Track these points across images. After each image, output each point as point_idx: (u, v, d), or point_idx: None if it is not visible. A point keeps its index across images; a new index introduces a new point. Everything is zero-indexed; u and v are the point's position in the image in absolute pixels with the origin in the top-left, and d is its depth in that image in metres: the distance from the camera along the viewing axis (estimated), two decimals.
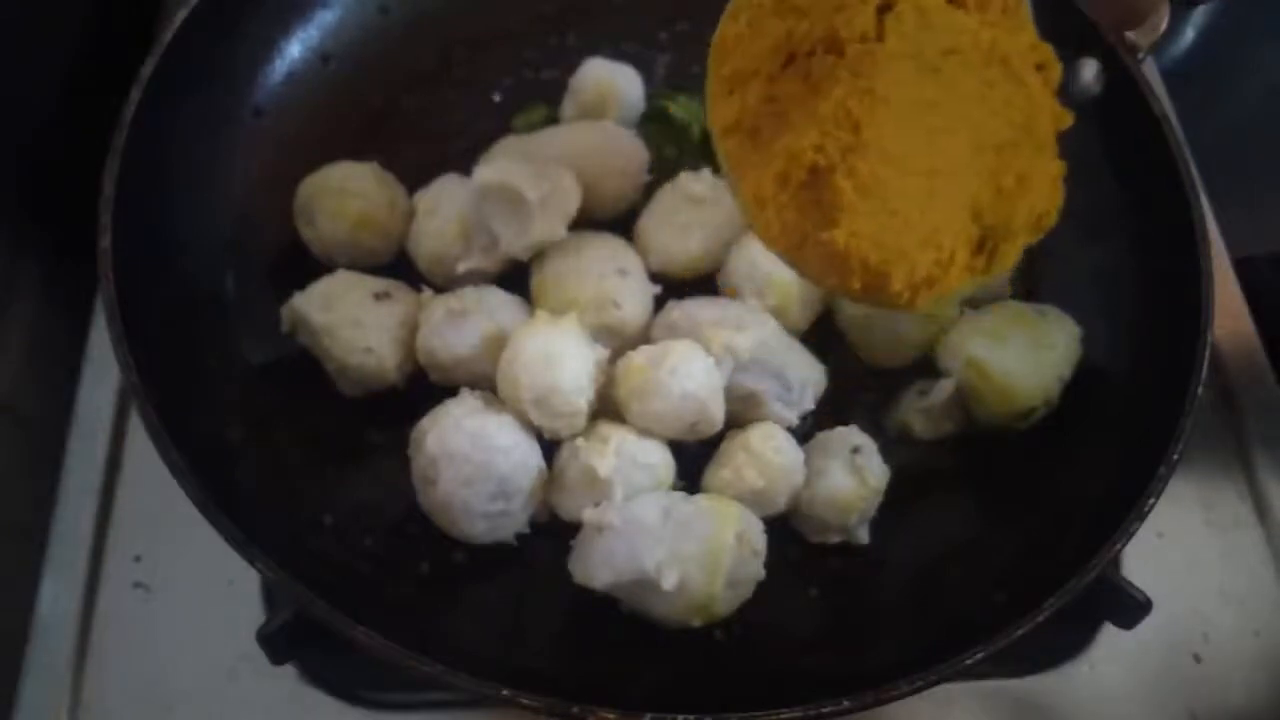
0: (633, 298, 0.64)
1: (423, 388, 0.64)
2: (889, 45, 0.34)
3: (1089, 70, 0.65)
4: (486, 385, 0.61)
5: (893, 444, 0.64)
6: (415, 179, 0.69)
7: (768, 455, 0.60)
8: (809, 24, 0.35)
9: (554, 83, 0.75)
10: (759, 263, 0.64)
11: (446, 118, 0.76)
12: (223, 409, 0.61)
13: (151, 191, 0.61)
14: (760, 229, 0.38)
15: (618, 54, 0.75)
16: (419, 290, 0.65)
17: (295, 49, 0.73)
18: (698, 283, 0.67)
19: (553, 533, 0.60)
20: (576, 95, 0.73)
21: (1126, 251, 0.68)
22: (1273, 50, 1.03)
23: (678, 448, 0.62)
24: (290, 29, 0.73)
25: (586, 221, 0.66)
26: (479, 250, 0.65)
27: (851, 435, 0.62)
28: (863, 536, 0.62)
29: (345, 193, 0.66)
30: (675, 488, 0.61)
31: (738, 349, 0.60)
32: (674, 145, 0.73)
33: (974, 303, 0.67)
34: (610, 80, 0.73)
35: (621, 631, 0.57)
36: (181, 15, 0.63)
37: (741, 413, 0.62)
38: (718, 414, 0.60)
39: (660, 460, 0.60)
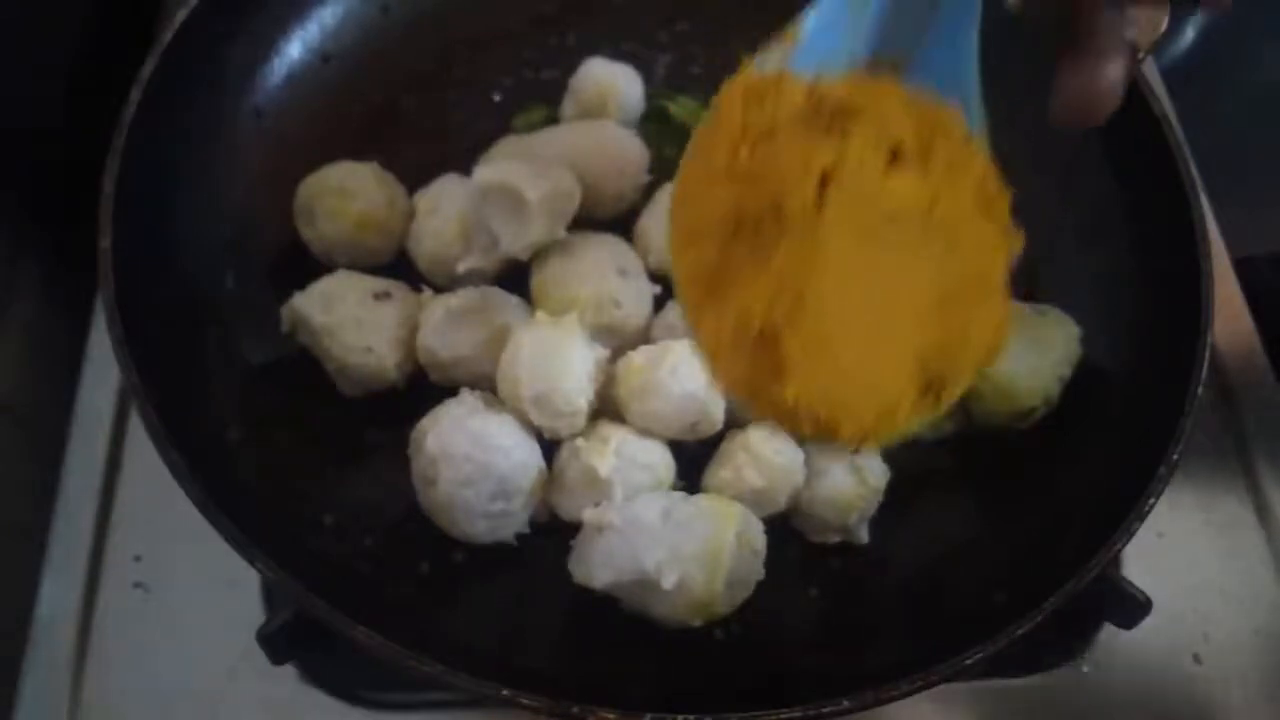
0: (633, 298, 0.64)
1: (423, 388, 0.64)
2: (828, 215, 0.36)
3: None
4: (486, 385, 0.61)
5: (893, 444, 0.64)
6: (415, 179, 0.69)
7: (768, 455, 0.60)
8: (754, 193, 0.37)
9: (554, 83, 0.75)
10: None
11: (446, 118, 0.76)
12: (223, 409, 0.61)
13: (151, 191, 0.61)
14: (716, 376, 0.40)
15: (618, 54, 0.75)
16: (419, 290, 0.65)
17: (295, 49, 0.73)
18: None
19: (553, 533, 0.60)
20: (576, 95, 0.73)
21: (1126, 252, 0.68)
22: (1273, 50, 1.03)
23: (678, 448, 0.62)
24: (290, 29, 0.73)
25: (586, 221, 0.66)
26: (479, 250, 0.65)
27: None
28: (863, 536, 0.62)
29: (345, 193, 0.66)
30: (675, 488, 0.61)
31: None
32: (674, 145, 0.73)
33: None
34: (610, 80, 0.73)
35: (621, 631, 0.57)
36: (181, 15, 0.63)
37: (741, 413, 0.62)
38: (718, 414, 0.60)
39: (660, 460, 0.60)
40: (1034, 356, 0.63)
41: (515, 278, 0.66)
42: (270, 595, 0.63)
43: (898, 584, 0.62)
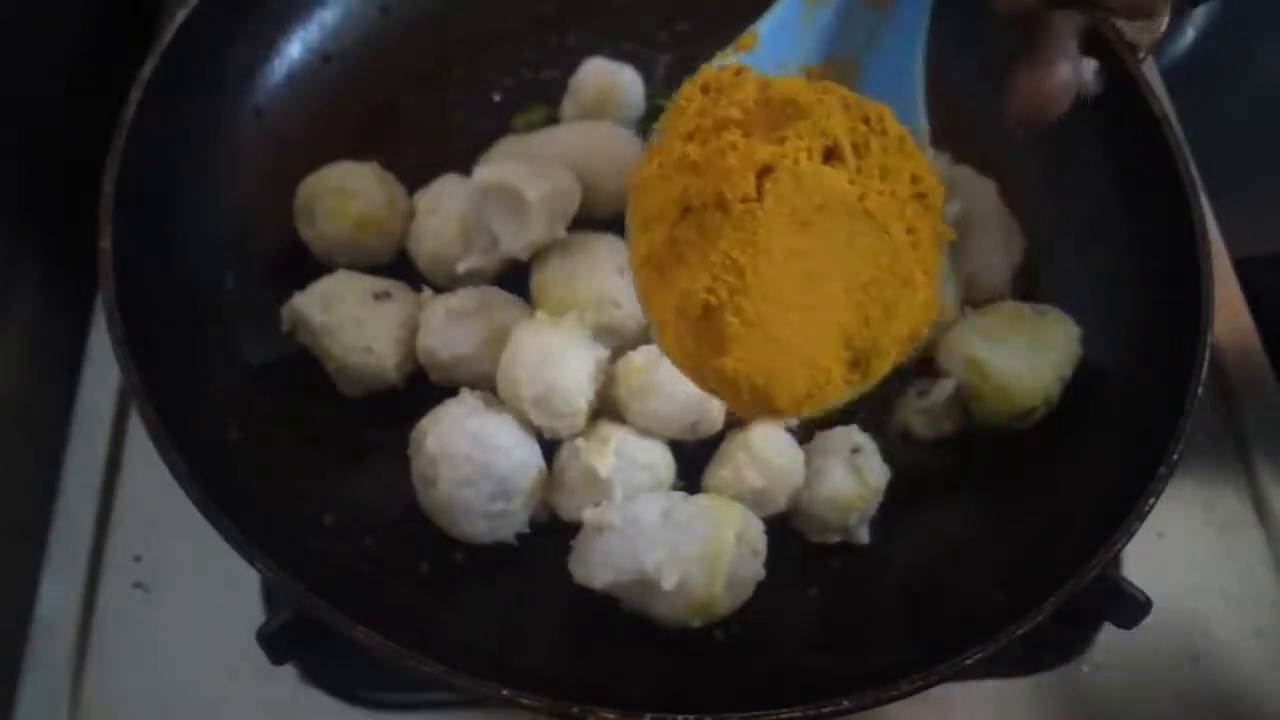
0: (633, 298, 0.64)
1: (423, 388, 0.64)
2: (767, 204, 0.41)
3: (1089, 70, 0.65)
4: (486, 385, 0.61)
5: (893, 444, 0.64)
6: (415, 179, 0.69)
7: (768, 455, 0.60)
8: (701, 183, 0.42)
9: (554, 83, 0.75)
10: None
11: (446, 118, 0.76)
12: (223, 409, 0.61)
13: (151, 191, 0.61)
14: (665, 349, 0.44)
15: (618, 54, 0.75)
16: (419, 290, 0.65)
17: (295, 49, 0.73)
18: None
19: (553, 533, 0.60)
20: (576, 95, 0.73)
21: (1126, 251, 0.68)
22: (1273, 50, 1.03)
23: (678, 448, 0.62)
24: (290, 29, 0.73)
25: (586, 221, 0.66)
26: (479, 250, 0.65)
27: (851, 435, 0.62)
28: (863, 536, 0.62)
29: (345, 193, 0.66)
30: (675, 488, 0.61)
31: None
32: None
33: (974, 303, 0.67)
34: (610, 80, 0.73)
35: (621, 631, 0.57)
36: (181, 15, 0.63)
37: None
38: (718, 414, 0.60)
39: (660, 460, 0.60)
40: (1034, 356, 0.63)
41: (515, 278, 0.66)
42: (270, 595, 0.63)
43: (898, 584, 0.62)
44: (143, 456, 0.67)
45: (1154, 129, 0.64)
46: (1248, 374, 0.76)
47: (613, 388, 0.61)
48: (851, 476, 0.60)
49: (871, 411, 0.66)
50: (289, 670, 0.61)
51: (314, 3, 0.74)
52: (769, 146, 0.41)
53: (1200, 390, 0.56)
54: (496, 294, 0.64)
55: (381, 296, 0.64)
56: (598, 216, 0.68)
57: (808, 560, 0.62)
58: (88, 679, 0.61)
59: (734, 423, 0.62)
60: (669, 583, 0.54)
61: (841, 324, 0.42)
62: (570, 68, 0.74)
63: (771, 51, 0.47)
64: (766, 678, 0.57)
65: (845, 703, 0.48)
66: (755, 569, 0.57)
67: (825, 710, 0.47)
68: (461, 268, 0.65)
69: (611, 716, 0.47)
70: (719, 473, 0.61)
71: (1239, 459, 0.73)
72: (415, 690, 0.62)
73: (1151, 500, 0.53)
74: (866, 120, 0.43)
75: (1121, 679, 0.65)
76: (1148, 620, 0.54)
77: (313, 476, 0.62)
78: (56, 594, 0.64)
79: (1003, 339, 0.64)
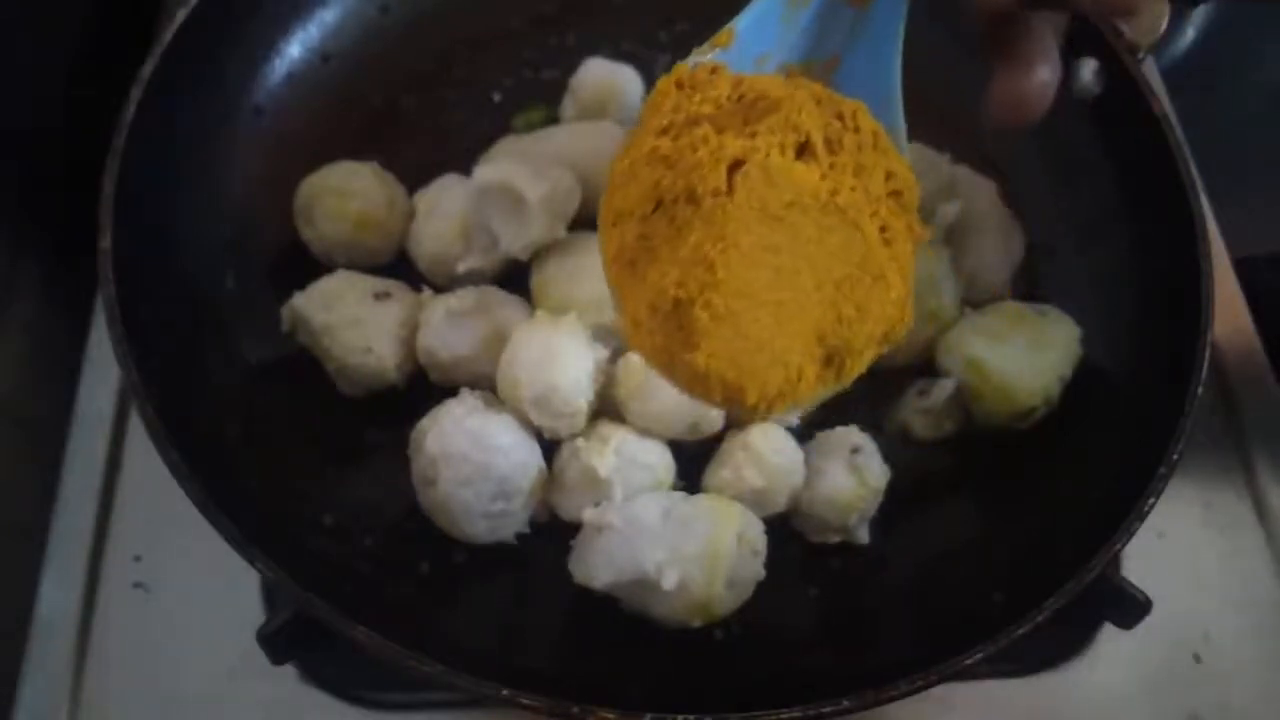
0: None
1: (423, 388, 0.64)
2: (737, 199, 0.40)
3: (1089, 70, 0.65)
4: (486, 385, 0.61)
5: (893, 444, 0.64)
6: (415, 179, 0.69)
7: (768, 455, 0.60)
8: (672, 177, 0.42)
9: (554, 83, 0.75)
10: None
11: (446, 118, 0.76)
12: (223, 409, 0.61)
13: (151, 191, 0.60)
14: (636, 346, 0.43)
15: (618, 54, 0.75)
16: (419, 290, 0.65)
17: (295, 49, 0.73)
18: None
19: (553, 533, 0.60)
20: (576, 95, 0.73)
21: (1126, 251, 0.68)
22: (1273, 50, 1.03)
23: (678, 448, 0.62)
24: (290, 29, 0.73)
25: (586, 221, 0.66)
26: (479, 250, 0.65)
27: (851, 435, 0.62)
28: (863, 536, 0.62)
29: (345, 193, 0.66)
30: (675, 488, 0.61)
31: None
32: None
33: (974, 303, 0.67)
34: (610, 80, 0.73)
35: (621, 631, 0.57)
36: (181, 15, 0.63)
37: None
38: (718, 414, 0.60)
39: (660, 460, 0.60)
40: (1034, 356, 0.63)
41: (515, 278, 0.66)
42: (270, 595, 0.63)
43: (898, 584, 0.62)
44: (143, 456, 0.67)
45: (1154, 129, 0.64)
46: (1248, 374, 0.76)
47: (613, 388, 0.61)
48: (851, 476, 0.60)
49: (871, 411, 0.66)
50: (289, 670, 0.61)
51: (314, 3, 0.74)
52: (740, 141, 0.41)
53: (1200, 390, 0.56)
54: (496, 294, 0.64)
55: (381, 296, 0.64)
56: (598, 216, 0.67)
57: (808, 560, 0.62)
58: (88, 679, 0.61)
59: (734, 423, 0.62)
60: (669, 583, 0.54)
61: (814, 321, 0.41)
62: (570, 68, 0.74)
63: (749, 48, 0.46)
64: (766, 678, 0.57)
65: (845, 703, 0.48)
66: (755, 569, 0.57)
67: (825, 710, 0.47)
68: (461, 268, 0.65)
69: (611, 716, 0.47)
70: (719, 473, 0.61)
71: (1239, 459, 0.73)
72: (415, 690, 0.62)
73: (1151, 500, 0.53)
74: (840, 116, 0.43)
75: (1121, 679, 0.65)
76: (1148, 620, 0.54)
77: (313, 476, 0.62)
78: (56, 594, 0.64)
79: (1003, 339, 0.64)
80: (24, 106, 0.72)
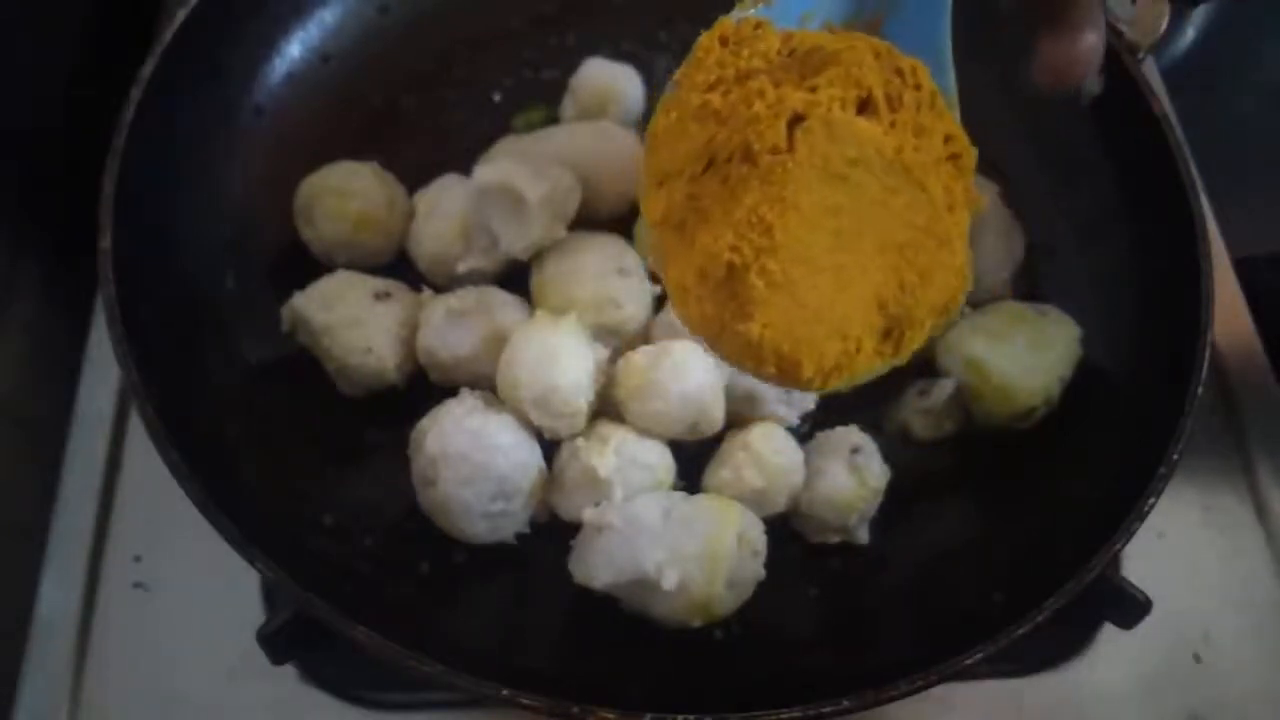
0: (633, 298, 0.64)
1: (423, 388, 0.64)
2: (798, 156, 0.37)
3: None
4: (486, 385, 0.61)
5: (893, 444, 0.64)
6: (415, 179, 0.69)
7: (768, 455, 0.60)
8: (726, 133, 0.38)
9: (554, 83, 0.75)
10: None
11: (446, 118, 0.76)
12: (223, 409, 0.61)
13: (151, 191, 0.61)
14: (683, 316, 0.41)
15: (618, 54, 0.75)
16: (419, 290, 0.65)
17: (295, 49, 0.73)
18: None
19: (553, 533, 0.60)
20: (576, 95, 0.73)
21: (1126, 251, 0.68)
22: (1273, 50, 1.03)
23: (678, 448, 0.62)
24: (290, 29, 0.73)
25: (586, 221, 0.66)
26: (479, 250, 0.65)
27: (851, 435, 0.62)
28: (863, 536, 0.62)
29: (345, 193, 0.66)
30: (675, 488, 0.61)
31: None
32: None
33: (974, 303, 0.67)
34: (610, 80, 0.73)
35: (621, 631, 0.57)
36: (181, 15, 0.63)
37: (741, 413, 0.62)
38: (718, 414, 0.60)
39: (660, 460, 0.60)
40: (1034, 356, 0.63)
41: (515, 278, 0.66)
42: (270, 595, 0.63)
43: (898, 584, 0.62)
44: (143, 456, 0.67)
45: (1154, 129, 0.64)
46: (1248, 374, 0.76)
47: (613, 388, 0.61)
48: (851, 476, 0.60)
49: (872, 411, 0.66)
50: (289, 670, 0.61)
51: (314, 3, 0.74)
52: (800, 94, 0.38)
53: (1200, 390, 0.56)
54: (496, 294, 0.64)
55: (381, 296, 0.64)
56: (598, 216, 0.68)
57: (808, 560, 0.62)
58: (88, 679, 0.61)
59: (734, 423, 0.62)
60: (669, 583, 0.54)
61: (875, 288, 0.39)
62: (570, 68, 0.74)
63: (793, 6, 0.43)
64: (766, 678, 0.57)
65: (845, 703, 0.48)
66: (755, 569, 0.57)
67: (825, 710, 0.47)
68: (461, 268, 0.65)
69: (611, 716, 0.47)
70: (719, 473, 0.61)
71: (1239, 459, 0.73)
72: (415, 690, 0.62)
73: (1151, 500, 0.53)
74: (899, 73, 0.40)
75: (1121, 679, 0.65)
76: (1148, 620, 0.54)
77: (313, 476, 0.62)
78: (56, 594, 0.64)
79: (1003, 339, 0.64)
80: (24, 106, 0.72)
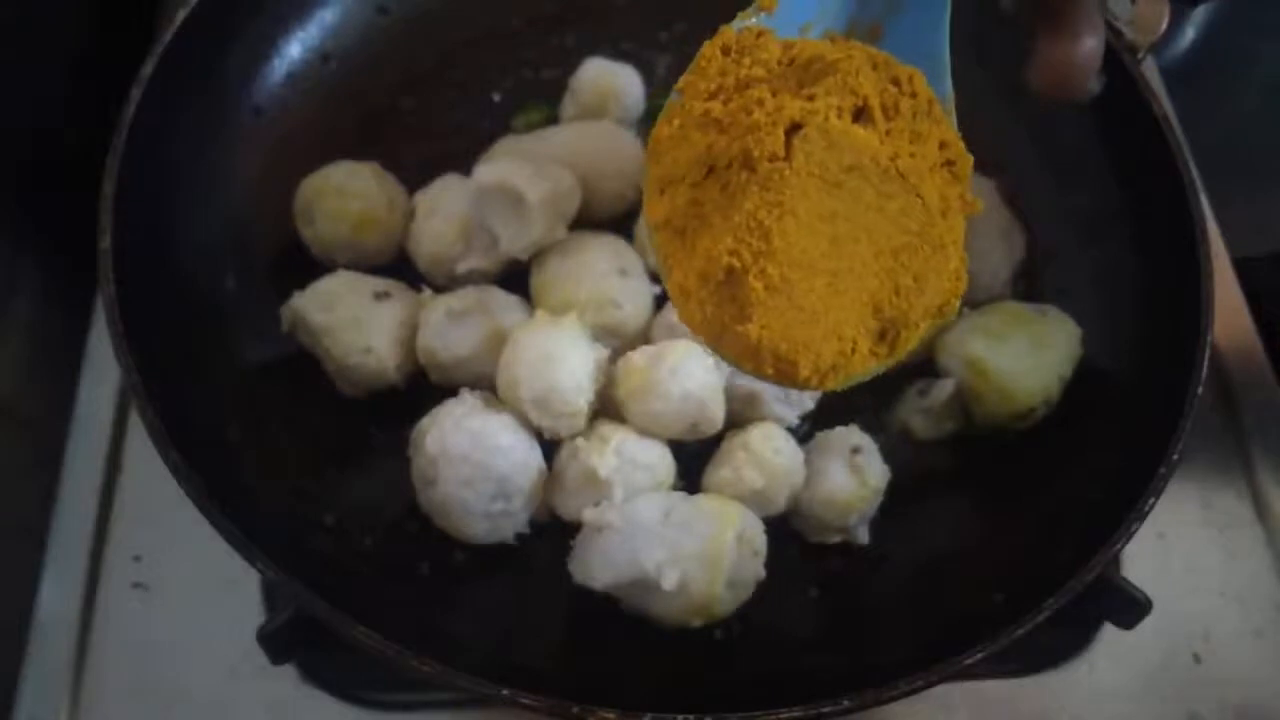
0: (633, 298, 0.64)
1: (423, 388, 0.64)
2: (795, 164, 0.39)
3: None
4: (486, 385, 0.61)
5: (893, 444, 0.64)
6: (415, 179, 0.69)
7: (768, 455, 0.60)
8: (726, 141, 0.40)
9: (554, 83, 0.75)
10: None
11: (446, 118, 0.76)
12: (223, 409, 0.61)
13: (151, 191, 0.61)
14: (685, 317, 0.42)
15: (618, 54, 0.75)
16: (419, 290, 0.65)
17: (295, 49, 0.73)
18: None
19: (553, 533, 0.60)
20: (576, 95, 0.73)
21: (1126, 251, 0.68)
22: (1273, 49, 1.03)
23: (678, 448, 0.62)
24: (290, 29, 0.73)
25: (586, 221, 0.66)
26: (479, 250, 0.65)
27: (851, 435, 0.62)
28: (863, 536, 0.62)
29: (345, 193, 0.66)
30: (675, 488, 0.61)
31: None
32: None
33: (974, 303, 0.67)
34: (610, 80, 0.73)
35: (621, 631, 0.57)
36: (181, 15, 0.63)
37: (741, 413, 0.62)
38: (718, 414, 0.60)
39: (660, 460, 0.60)
40: (1034, 356, 0.63)
41: (515, 278, 0.66)
42: (270, 595, 0.63)
43: (898, 584, 0.62)
44: (143, 456, 0.67)
45: (1154, 129, 0.64)
46: (1248, 374, 0.76)
47: (613, 388, 0.61)
48: (851, 476, 0.60)
49: (872, 412, 0.66)
50: (289, 670, 0.61)
51: (314, 3, 0.74)
52: (798, 102, 0.39)
53: (1200, 390, 0.56)
54: (496, 294, 0.64)
55: (381, 296, 0.64)
56: (598, 216, 0.68)
57: (808, 560, 0.62)
58: (88, 679, 0.61)
59: (734, 423, 0.62)
60: (669, 583, 0.54)
61: (870, 291, 0.40)
62: (570, 68, 0.74)
63: (793, 15, 0.44)
64: (766, 678, 0.57)
65: (845, 703, 0.48)
66: (755, 569, 0.57)
67: (825, 710, 0.47)
68: (461, 268, 0.65)
69: (611, 716, 0.47)
70: (719, 473, 0.61)
71: (1239, 459, 0.73)
72: (415, 690, 0.62)
73: (1151, 500, 0.53)
74: (896, 82, 0.41)
75: (1121, 679, 0.65)
76: (1148, 620, 0.54)
77: (313, 476, 0.62)
78: (56, 594, 0.64)
79: (1003, 339, 0.64)
80: (24, 106, 0.72)
